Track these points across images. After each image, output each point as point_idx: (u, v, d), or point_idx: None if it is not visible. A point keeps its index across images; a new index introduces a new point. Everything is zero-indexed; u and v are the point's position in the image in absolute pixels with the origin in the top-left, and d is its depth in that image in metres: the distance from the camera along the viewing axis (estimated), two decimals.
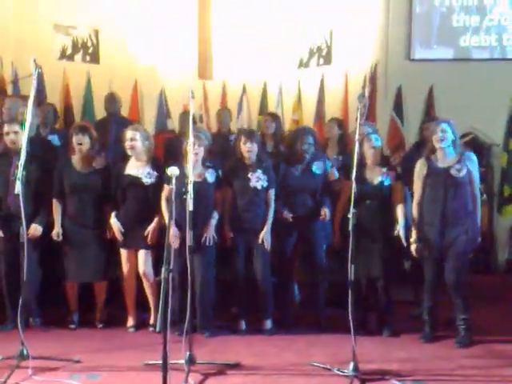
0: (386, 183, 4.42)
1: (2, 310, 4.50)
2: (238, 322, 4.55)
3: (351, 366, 3.57)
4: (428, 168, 4.26)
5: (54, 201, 4.52)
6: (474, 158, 4.30)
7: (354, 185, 3.71)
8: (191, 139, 3.79)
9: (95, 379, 3.56)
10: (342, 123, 5.64)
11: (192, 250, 3.68)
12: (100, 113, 6.99)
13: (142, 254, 4.49)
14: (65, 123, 6.60)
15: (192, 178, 3.70)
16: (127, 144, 4.48)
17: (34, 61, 3.67)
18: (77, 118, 6.99)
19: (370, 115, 6.35)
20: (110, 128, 5.76)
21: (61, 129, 5.97)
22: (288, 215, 4.51)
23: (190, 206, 3.60)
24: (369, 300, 4.51)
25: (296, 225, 4.55)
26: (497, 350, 4.13)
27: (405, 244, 4.34)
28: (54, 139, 5.49)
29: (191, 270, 3.65)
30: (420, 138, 5.20)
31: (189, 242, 3.65)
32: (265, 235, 4.44)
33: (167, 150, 5.62)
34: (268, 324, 4.51)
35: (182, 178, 3.73)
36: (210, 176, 4.42)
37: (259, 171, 4.47)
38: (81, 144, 4.50)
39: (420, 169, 4.31)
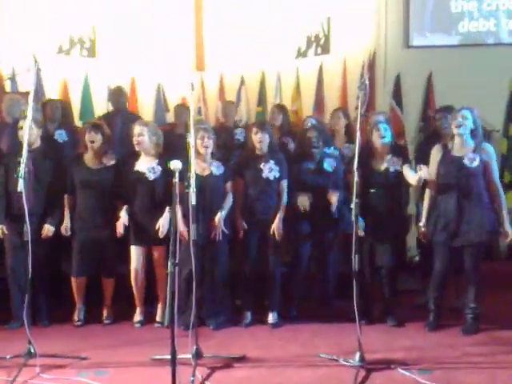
0: (392, 170, 4.40)
1: (8, 309, 4.50)
2: (242, 315, 4.56)
3: (357, 356, 3.60)
4: (442, 155, 4.25)
5: (66, 196, 4.55)
6: (491, 149, 4.27)
7: (356, 175, 3.71)
8: (192, 132, 3.77)
9: (103, 375, 3.57)
10: (347, 112, 5.63)
11: (196, 244, 3.68)
12: (98, 107, 7.01)
13: (155, 249, 4.50)
14: (63, 118, 6.55)
15: (200, 171, 3.69)
16: (134, 139, 4.48)
17: (33, 56, 3.64)
18: (75, 112, 6.95)
19: (369, 104, 6.32)
20: (116, 123, 5.74)
21: (68, 124, 5.96)
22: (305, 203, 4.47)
23: (192, 200, 3.59)
24: (373, 289, 4.52)
25: (309, 216, 4.53)
26: (501, 337, 4.15)
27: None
28: (62, 135, 5.51)
29: (196, 264, 3.65)
30: (433, 127, 5.18)
31: (193, 236, 3.64)
32: (276, 226, 4.43)
33: (164, 143, 5.59)
34: (274, 316, 4.53)
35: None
36: (217, 169, 4.42)
37: (272, 162, 4.47)
38: (93, 142, 4.52)
39: (435, 154, 4.30)
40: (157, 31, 7.17)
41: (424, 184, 4.37)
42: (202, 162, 4.35)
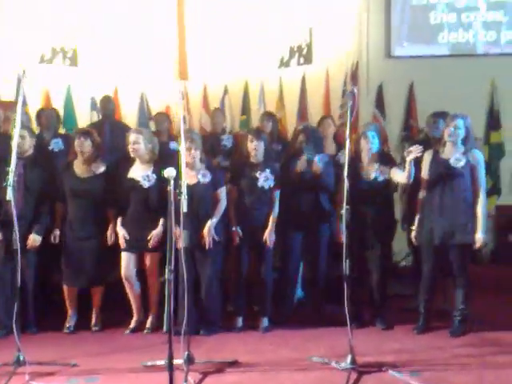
0: (380, 179, 4.46)
1: None
2: (234, 320, 4.57)
3: (349, 358, 3.62)
4: (432, 158, 4.34)
5: (57, 204, 4.54)
6: (480, 155, 4.34)
7: (346, 182, 3.76)
8: (183, 141, 3.78)
9: (94, 382, 3.54)
10: (334, 120, 5.71)
11: (188, 251, 3.68)
12: (80, 116, 6.98)
13: (147, 256, 4.48)
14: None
15: (188, 180, 3.70)
16: (130, 147, 4.47)
17: (21, 67, 3.63)
18: None
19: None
20: (105, 131, 5.74)
21: (64, 133, 5.99)
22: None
23: (184, 208, 3.59)
24: (362, 293, 4.56)
25: (301, 222, 4.58)
26: (489, 339, 4.22)
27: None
28: (58, 143, 5.51)
29: (187, 271, 3.65)
30: (424, 134, 5.29)
31: (183, 243, 3.63)
32: (268, 234, 4.46)
33: None
34: (265, 321, 4.54)
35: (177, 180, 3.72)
36: (204, 177, 4.41)
37: (268, 171, 4.49)
38: (81, 147, 4.50)
39: (425, 160, 4.38)
40: (140, 40, 7.20)
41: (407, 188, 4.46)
42: (190, 170, 4.35)
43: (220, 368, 3.73)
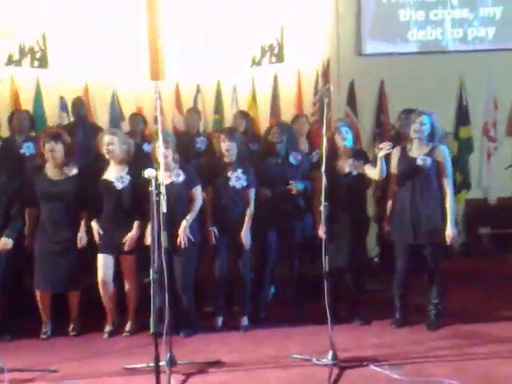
0: (354, 173, 4.51)
1: None
2: (214, 320, 4.57)
3: (330, 354, 3.66)
4: (400, 156, 4.40)
5: (27, 210, 4.44)
6: (446, 151, 4.42)
7: (324, 178, 3.79)
8: (161, 141, 3.75)
9: None
10: (308, 118, 5.74)
11: (168, 251, 3.66)
12: (51, 118, 6.87)
13: (123, 259, 4.44)
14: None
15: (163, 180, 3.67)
16: (104, 148, 4.41)
17: None
18: None
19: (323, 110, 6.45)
20: (78, 133, 5.65)
21: (35, 136, 5.76)
22: (266, 191, 4.54)
23: (163, 208, 3.57)
24: (339, 289, 4.60)
25: (276, 220, 4.59)
26: (464, 331, 4.31)
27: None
28: (30, 147, 5.35)
29: (168, 271, 3.63)
30: (394, 131, 5.35)
31: (164, 243, 3.61)
32: (244, 235, 4.47)
33: None
34: (245, 320, 4.55)
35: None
36: (177, 177, 4.38)
37: (239, 170, 4.49)
38: (53, 151, 4.39)
39: (394, 156, 4.45)
40: (110, 40, 7.10)
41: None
42: (164, 170, 4.31)
43: (202, 369, 3.73)
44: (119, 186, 4.40)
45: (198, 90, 7.32)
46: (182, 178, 4.39)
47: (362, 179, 4.56)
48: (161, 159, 3.76)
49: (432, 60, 6.91)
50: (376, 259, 5.95)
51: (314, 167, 4.63)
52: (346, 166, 4.52)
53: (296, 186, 4.59)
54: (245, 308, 4.58)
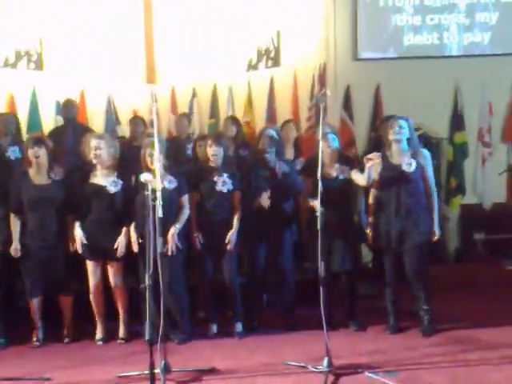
0: (341, 178, 4.52)
1: None
2: (207, 327, 4.55)
3: (325, 361, 3.64)
4: (382, 163, 4.39)
5: (12, 216, 4.37)
6: (428, 155, 4.45)
7: (320, 184, 3.78)
8: (157, 145, 3.74)
9: None
10: (297, 124, 5.73)
11: (161, 257, 3.64)
12: (46, 121, 6.86)
13: (111, 265, 4.42)
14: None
15: (153, 185, 3.65)
16: (92, 153, 4.38)
17: None
18: (23, 127, 6.73)
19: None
20: (68, 135, 5.62)
21: (21, 140, 5.73)
22: (265, 201, 4.52)
23: (159, 213, 3.55)
24: (333, 295, 4.60)
25: (266, 228, 4.57)
26: (457, 337, 4.31)
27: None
28: (15, 151, 5.26)
29: (163, 278, 3.61)
30: (375, 137, 5.34)
31: (159, 249, 3.60)
32: (231, 236, 4.45)
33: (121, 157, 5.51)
34: (239, 327, 4.52)
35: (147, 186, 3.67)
36: (169, 183, 4.35)
37: (225, 175, 4.49)
38: (38, 157, 4.36)
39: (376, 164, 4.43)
40: (106, 43, 7.12)
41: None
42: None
43: (197, 376, 3.71)
44: (112, 190, 4.37)
45: (194, 94, 7.33)
46: (174, 184, 4.37)
47: (350, 183, 4.55)
48: (156, 164, 3.74)
49: (427, 65, 6.93)
50: (370, 264, 5.96)
51: (298, 174, 4.70)
52: (333, 170, 4.51)
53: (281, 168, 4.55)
54: (237, 314, 4.55)
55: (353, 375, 3.64)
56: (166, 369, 3.57)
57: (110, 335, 4.50)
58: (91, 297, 4.45)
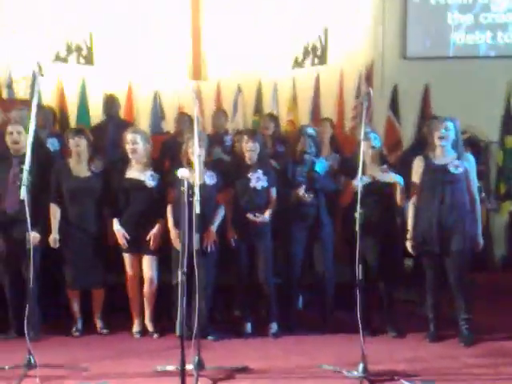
0: (382, 179, 4.37)
1: (4, 319, 4.44)
2: (243, 325, 4.53)
3: (360, 367, 3.57)
4: (425, 165, 4.27)
5: (52, 206, 4.42)
6: (472, 159, 4.31)
7: (360, 185, 3.70)
8: (196, 142, 3.74)
9: None
10: (333, 123, 5.65)
11: (199, 253, 3.64)
12: (95, 115, 6.97)
13: (146, 259, 4.45)
14: (60, 126, 6.51)
15: (193, 181, 3.65)
16: (128, 147, 4.42)
17: (38, 64, 3.59)
18: (72, 120, 6.93)
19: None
20: (109, 130, 5.70)
21: (60, 132, 5.84)
22: (305, 194, 4.43)
23: (197, 209, 3.54)
24: (370, 300, 4.51)
25: (306, 224, 4.52)
26: (500, 348, 4.16)
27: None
28: (54, 143, 5.37)
29: (199, 274, 3.61)
30: (418, 136, 5.21)
31: (196, 245, 3.59)
32: (263, 216, 4.38)
33: (163, 152, 5.57)
34: (274, 327, 4.49)
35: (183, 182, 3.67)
36: (210, 179, 4.37)
37: (260, 171, 4.46)
38: (78, 147, 4.43)
39: (417, 165, 4.31)
40: (155, 39, 7.19)
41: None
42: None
43: (230, 374, 3.70)
44: (151, 184, 4.41)
45: (239, 90, 7.32)
46: (214, 180, 4.38)
47: (390, 184, 4.42)
48: (195, 159, 3.74)
49: (479, 65, 6.73)
50: (410, 269, 5.82)
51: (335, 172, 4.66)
52: (375, 173, 4.37)
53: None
54: (272, 314, 4.51)
55: (388, 382, 3.56)
56: (200, 365, 3.58)
57: (146, 328, 4.55)
58: (128, 290, 4.49)
